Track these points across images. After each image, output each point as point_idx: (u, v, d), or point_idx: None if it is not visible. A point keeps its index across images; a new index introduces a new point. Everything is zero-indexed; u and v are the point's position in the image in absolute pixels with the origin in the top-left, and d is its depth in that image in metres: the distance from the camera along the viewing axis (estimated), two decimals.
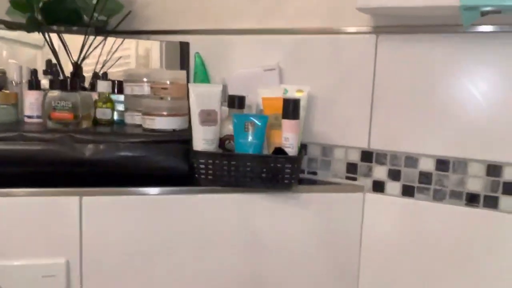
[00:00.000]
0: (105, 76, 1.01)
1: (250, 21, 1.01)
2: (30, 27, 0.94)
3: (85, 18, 1.01)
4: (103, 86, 0.94)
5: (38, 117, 0.94)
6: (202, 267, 0.86)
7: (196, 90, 0.84)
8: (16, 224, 0.78)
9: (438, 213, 0.86)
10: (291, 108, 0.84)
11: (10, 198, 0.77)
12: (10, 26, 0.97)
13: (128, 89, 0.95)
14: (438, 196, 0.86)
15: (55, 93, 0.83)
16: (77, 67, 0.93)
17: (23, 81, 0.99)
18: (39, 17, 0.95)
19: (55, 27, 1.00)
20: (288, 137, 0.84)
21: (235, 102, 0.90)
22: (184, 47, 1.06)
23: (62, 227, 0.79)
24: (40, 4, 0.95)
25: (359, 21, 0.89)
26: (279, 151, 0.84)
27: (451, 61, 0.83)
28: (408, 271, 0.90)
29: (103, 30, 1.03)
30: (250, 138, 0.84)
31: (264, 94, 0.90)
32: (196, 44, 1.06)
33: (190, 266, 0.85)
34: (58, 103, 0.82)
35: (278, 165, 0.83)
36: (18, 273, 0.78)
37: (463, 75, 0.82)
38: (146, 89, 0.94)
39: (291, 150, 0.84)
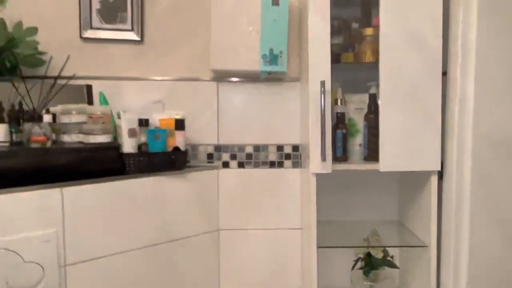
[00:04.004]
0: (47, 111, 1.43)
1: (136, 72, 1.60)
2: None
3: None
4: (47, 118, 1.38)
5: None
6: (136, 224, 1.42)
7: (126, 117, 1.41)
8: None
9: (257, 174, 1.66)
10: (180, 124, 1.50)
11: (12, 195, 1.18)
12: None
13: (66, 118, 1.42)
14: (256, 165, 1.66)
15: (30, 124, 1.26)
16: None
17: None
18: None
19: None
20: (180, 141, 1.49)
21: (143, 122, 1.49)
22: (89, 88, 1.57)
23: (50, 211, 1.24)
24: None
25: (208, 75, 1.62)
26: (177, 148, 1.48)
27: (250, 99, 1.65)
28: (242, 204, 1.66)
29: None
30: (158, 143, 1.46)
31: (160, 117, 1.52)
32: (97, 86, 1.57)
33: (130, 225, 1.40)
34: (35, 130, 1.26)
35: (177, 157, 1.48)
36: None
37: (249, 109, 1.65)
38: (76, 118, 1.43)
39: (182, 148, 1.49)
